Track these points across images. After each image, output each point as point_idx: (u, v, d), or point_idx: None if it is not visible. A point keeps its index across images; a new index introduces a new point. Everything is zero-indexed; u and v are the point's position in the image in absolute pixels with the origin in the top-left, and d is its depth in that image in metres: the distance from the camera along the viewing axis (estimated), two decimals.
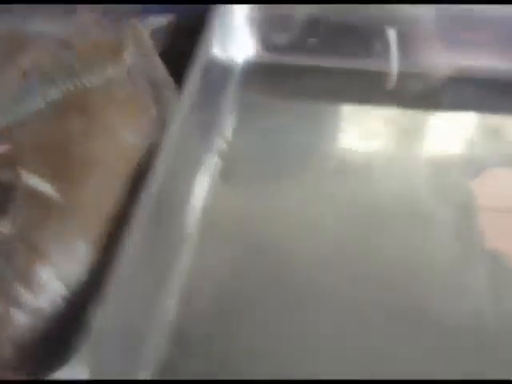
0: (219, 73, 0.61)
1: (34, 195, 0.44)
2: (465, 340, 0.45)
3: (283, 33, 0.63)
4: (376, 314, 0.46)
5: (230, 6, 0.62)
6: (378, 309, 0.46)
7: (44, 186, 0.44)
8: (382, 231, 0.51)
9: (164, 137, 0.49)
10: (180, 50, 0.58)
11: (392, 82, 0.62)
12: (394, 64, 0.61)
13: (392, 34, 0.61)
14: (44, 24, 0.49)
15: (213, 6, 0.61)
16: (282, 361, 0.44)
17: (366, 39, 0.62)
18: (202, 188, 0.54)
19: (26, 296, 0.41)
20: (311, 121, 0.60)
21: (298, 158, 0.57)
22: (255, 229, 0.52)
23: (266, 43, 0.64)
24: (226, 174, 0.56)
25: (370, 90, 0.62)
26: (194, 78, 0.54)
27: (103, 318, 0.39)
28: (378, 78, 0.62)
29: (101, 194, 0.45)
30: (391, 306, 0.47)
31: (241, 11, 0.63)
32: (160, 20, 0.60)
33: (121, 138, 0.48)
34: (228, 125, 0.59)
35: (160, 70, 0.53)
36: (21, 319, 0.40)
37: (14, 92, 0.47)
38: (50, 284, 0.42)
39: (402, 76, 0.62)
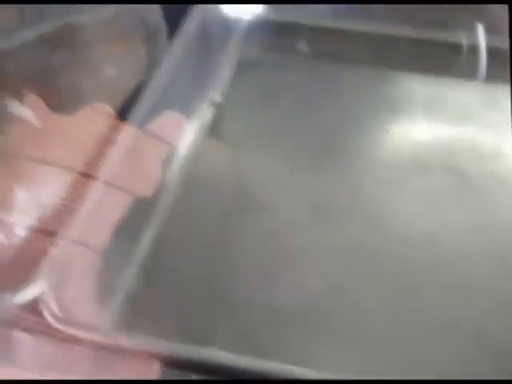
0: (222, 25, 0.60)
1: (19, 121, 0.45)
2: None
3: None
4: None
5: None
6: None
7: (28, 114, 0.45)
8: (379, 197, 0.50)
9: (152, 76, 0.49)
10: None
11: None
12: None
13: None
14: None
15: None
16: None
17: None
18: (188, 136, 0.54)
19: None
20: (315, 82, 0.58)
21: (292, 120, 0.55)
22: (237, 186, 0.51)
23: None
24: (215, 127, 0.55)
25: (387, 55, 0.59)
26: (191, 25, 0.54)
27: (68, 243, 0.40)
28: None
29: (82, 123, 0.46)
30: None
31: None
32: None
33: (105, 73, 0.49)
34: (225, 78, 0.59)
35: (154, 13, 0.53)
36: None
37: (5, 23, 0.48)
38: (26, 206, 0.43)
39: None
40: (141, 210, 0.47)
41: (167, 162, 0.47)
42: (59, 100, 0.46)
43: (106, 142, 0.46)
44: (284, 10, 0.63)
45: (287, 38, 0.62)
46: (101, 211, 0.43)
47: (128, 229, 0.46)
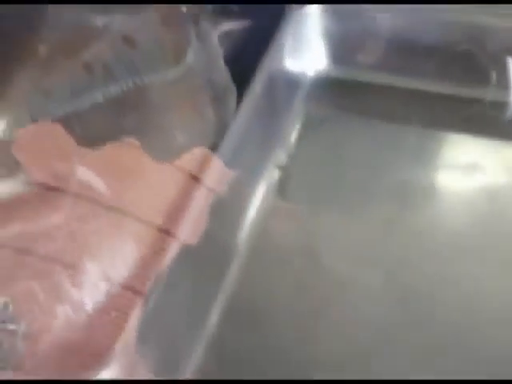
0: (286, 83, 0.59)
1: (87, 191, 0.43)
2: None
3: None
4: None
5: (305, 14, 0.60)
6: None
7: (97, 182, 0.43)
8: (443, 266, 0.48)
9: (221, 141, 0.47)
10: (249, 57, 0.57)
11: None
12: None
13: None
14: (109, 19, 0.48)
15: (287, 12, 0.59)
16: None
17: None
18: (256, 200, 0.52)
19: (71, 290, 0.40)
20: (381, 143, 0.57)
21: (360, 182, 0.54)
22: (307, 250, 0.49)
23: (339, 57, 0.62)
24: (283, 189, 0.54)
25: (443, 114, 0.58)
26: (258, 84, 0.52)
27: (144, 322, 0.38)
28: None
29: (152, 195, 0.44)
30: None
31: (316, 21, 0.61)
32: (232, 24, 0.59)
33: (174, 138, 0.47)
34: (291, 137, 0.58)
35: (222, 73, 0.52)
36: (65, 312, 0.39)
37: (75, 84, 0.47)
38: (95, 280, 0.41)
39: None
40: (211, 277, 0.45)
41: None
42: (126, 167, 0.44)
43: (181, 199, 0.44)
44: (346, 67, 0.61)
45: (349, 95, 0.61)
46: None
47: (197, 300, 0.44)
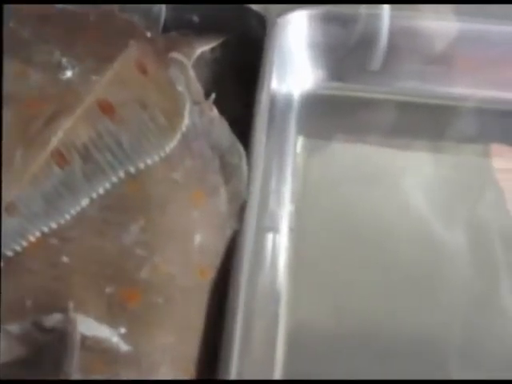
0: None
1: (89, 346, 0.31)
2: None
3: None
4: None
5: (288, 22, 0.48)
6: None
7: (100, 331, 0.32)
8: None
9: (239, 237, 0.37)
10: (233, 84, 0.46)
11: None
12: None
13: None
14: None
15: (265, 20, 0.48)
16: None
17: None
18: None
19: None
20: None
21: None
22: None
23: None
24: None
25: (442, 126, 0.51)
26: (259, 141, 0.42)
27: None
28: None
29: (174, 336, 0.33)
30: None
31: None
32: (203, 43, 0.47)
33: (189, 244, 0.35)
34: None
35: (223, 133, 0.40)
36: None
37: (47, 188, 0.33)
38: None
39: None
40: None
41: None
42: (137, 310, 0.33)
43: None
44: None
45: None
46: None
47: None
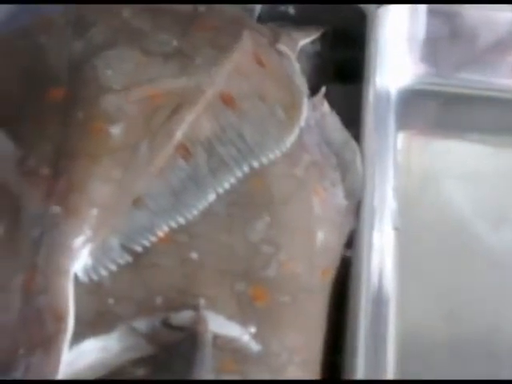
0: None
1: (220, 344, 0.30)
2: None
3: None
4: None
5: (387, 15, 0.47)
6: None
7: (232, 330, 0.31)
8: None
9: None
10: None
11: None
12: None
13: None
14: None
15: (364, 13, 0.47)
16: None
17: None
18: None
19: None
20: None
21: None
22: None
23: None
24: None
25: None
26: (370, 137, 0.40)
27: None
28: None
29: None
30: None
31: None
32: (304, 35, 0.46)
33: (312, 242, 0.34)
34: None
35: (336, 128, 0.39)
36: None
37: (174, 182, 0.32)
38: None
39: None
40: None
41: None
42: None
43: None
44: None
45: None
46: None
47: None
